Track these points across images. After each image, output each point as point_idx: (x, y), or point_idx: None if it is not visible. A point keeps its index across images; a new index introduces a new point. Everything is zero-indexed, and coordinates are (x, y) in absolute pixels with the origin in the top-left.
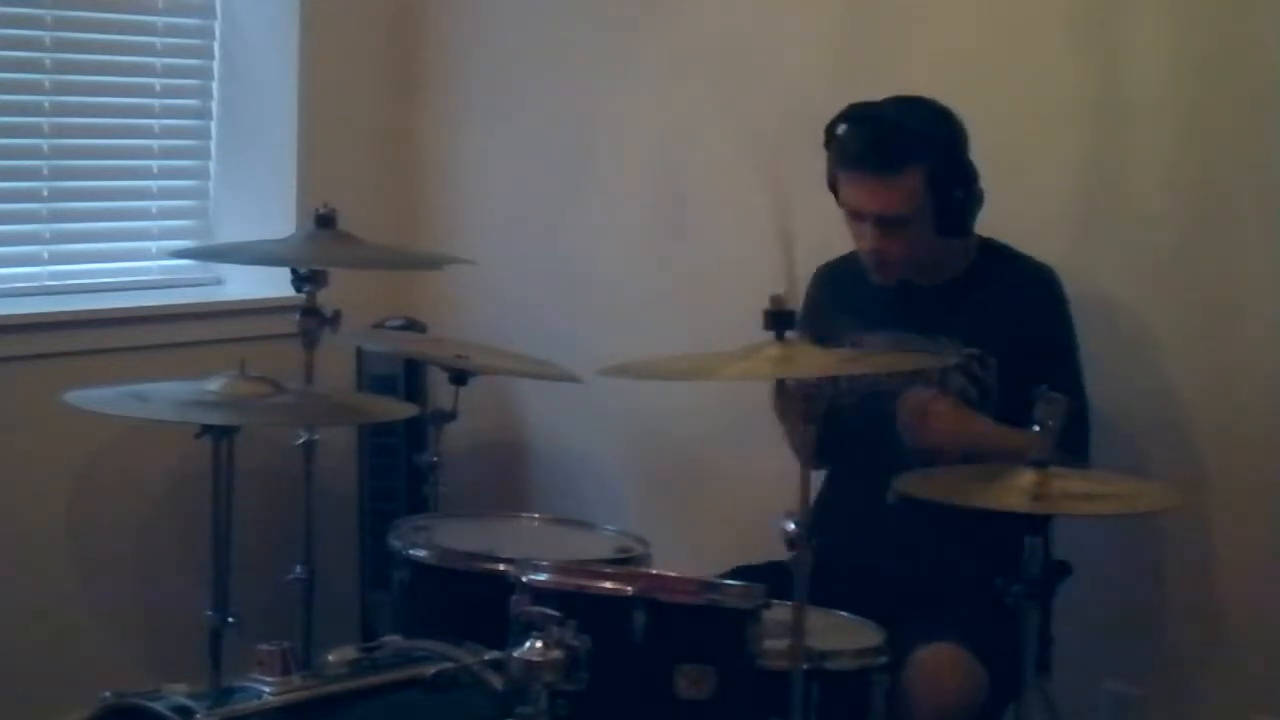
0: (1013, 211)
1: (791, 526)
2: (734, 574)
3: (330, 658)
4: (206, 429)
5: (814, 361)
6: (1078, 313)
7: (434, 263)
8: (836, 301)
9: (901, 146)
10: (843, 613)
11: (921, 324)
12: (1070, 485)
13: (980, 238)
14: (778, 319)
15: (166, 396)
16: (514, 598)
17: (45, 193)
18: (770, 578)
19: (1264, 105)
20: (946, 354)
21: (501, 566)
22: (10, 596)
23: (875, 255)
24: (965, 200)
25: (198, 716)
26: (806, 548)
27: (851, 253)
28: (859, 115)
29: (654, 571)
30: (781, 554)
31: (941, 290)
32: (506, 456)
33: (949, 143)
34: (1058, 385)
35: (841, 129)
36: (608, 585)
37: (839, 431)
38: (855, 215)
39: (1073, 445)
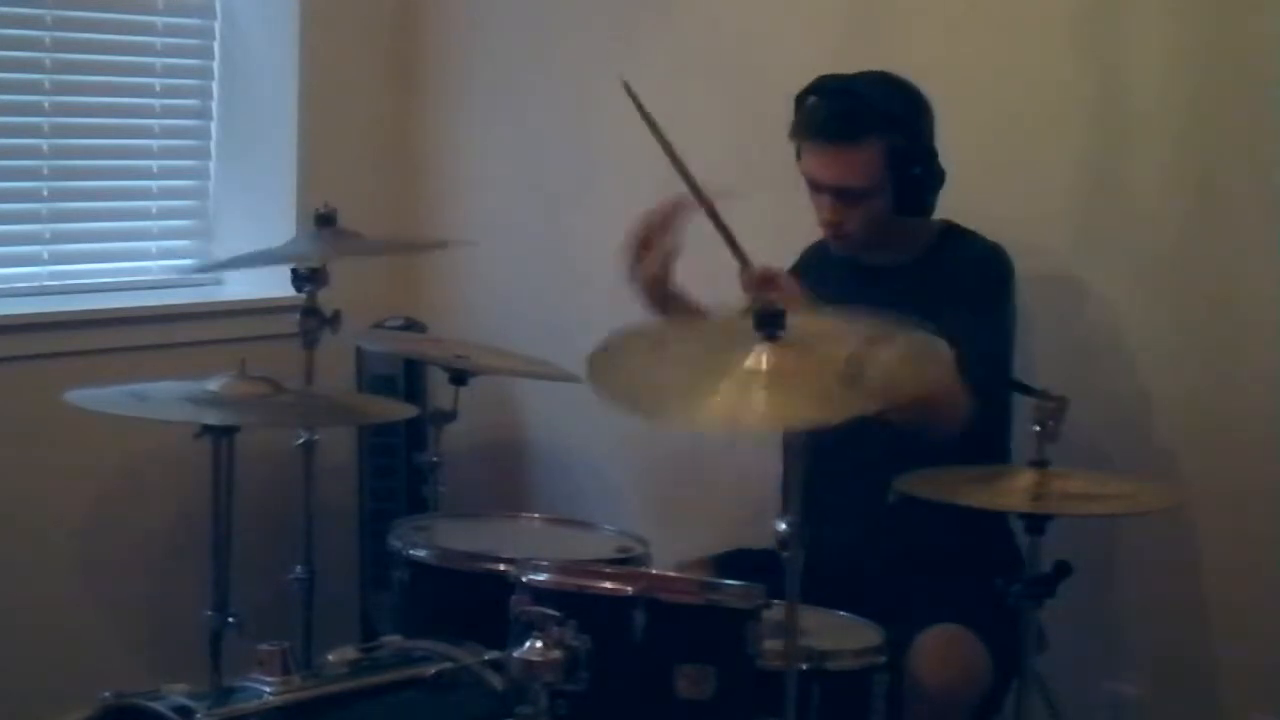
0: (1013, 212)
1: (783, 527)
2: (732, 555)
3: (330, 658)
4: (206, 429)
5: None
6: (1078, 312)
7: (435, 245)
8: (805, 276)
9: (862, 120)
10: (843, 613)
11: (878, 302)
12: (1070, 485)
13: (944, 221)
14: (770, 319)
15: (166, 396)
16: (514, 598)
17: (45, 193)
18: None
19: (1264, 105)
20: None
21: (501, 566)
22: (10, 596)
23: (832, 228)
24: (925, 179)
25: (198, 716)
26: (799, 548)
27: None
28: (827, 87)
29: (654, 571)
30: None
31: (899, 270)
32: (506, 456)
33: (911, 121)
34: (960, 330)
35: (810, 100)
36: (608, 585)
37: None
38: (814, 186)
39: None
